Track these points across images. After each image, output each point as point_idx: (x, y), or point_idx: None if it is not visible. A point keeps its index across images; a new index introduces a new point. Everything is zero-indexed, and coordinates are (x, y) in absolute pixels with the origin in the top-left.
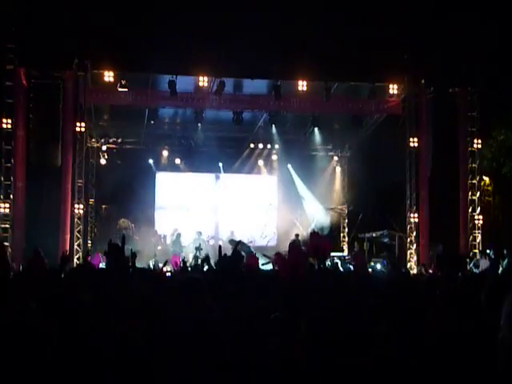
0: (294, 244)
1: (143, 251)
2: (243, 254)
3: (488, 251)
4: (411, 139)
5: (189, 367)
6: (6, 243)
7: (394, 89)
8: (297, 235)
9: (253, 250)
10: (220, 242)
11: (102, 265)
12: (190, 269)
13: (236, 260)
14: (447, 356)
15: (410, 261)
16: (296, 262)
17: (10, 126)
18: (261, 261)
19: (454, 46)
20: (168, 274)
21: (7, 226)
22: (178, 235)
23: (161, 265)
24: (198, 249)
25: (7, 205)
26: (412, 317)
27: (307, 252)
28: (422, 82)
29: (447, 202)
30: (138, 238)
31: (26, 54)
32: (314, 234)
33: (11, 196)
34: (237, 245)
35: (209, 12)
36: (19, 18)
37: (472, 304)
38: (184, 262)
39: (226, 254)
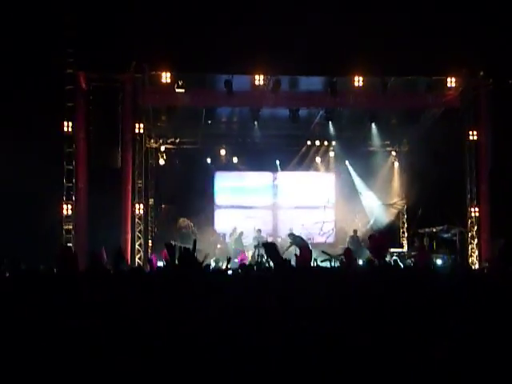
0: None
1: (203, 250)
2: (294, 246)
3: None
4: (470, 132)
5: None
6: (70, 244)
7: (451, 82)
8: (355, 231)
9: (310, 245)
10: (279, 239)
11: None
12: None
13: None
14: None
15: (471, 256)
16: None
17: (70, 130)
18: (319, 258)
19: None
20: (229, 271)
21: (70, 227)
22: (240, 233)
23: (222, 263)
24: (258, 247)
25: (70, 206)
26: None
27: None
28: (481, 73)
29: (508, 195)
30: (197, 236)
31: (85, 58)
32: (372, 236)
33: (73, 198)
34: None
35: (263, 11)
36: (78, 22)
37: None
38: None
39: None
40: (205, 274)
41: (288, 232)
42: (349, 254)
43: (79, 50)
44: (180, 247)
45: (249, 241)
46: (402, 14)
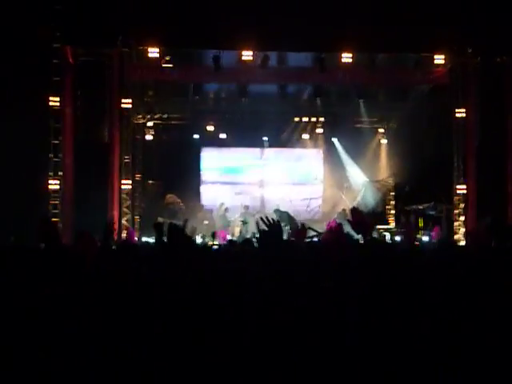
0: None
1: (191, 225)
2: (282, 223)
3: None
4: (458, 110)
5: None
6: (57, 219)
7: (440, 59)
8: (344, 210)
9: (297, 221)
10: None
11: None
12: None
13: (275, 233)
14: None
15: (457, 233)
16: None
17: (57, 104)
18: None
19: (501, 13)
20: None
21: (57, 202)
22: (226, 209)
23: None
24: (244, 222)
25: (57, 181)
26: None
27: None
28: (469, 50)
29: (495, 173)
30: (184, 211)
31: (71, 33)
32: (354, 209)
33: (60, 173)
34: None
35: None
36: None
37: None
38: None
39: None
40: (194, 248)
41: (274, 208)
42: (337, 229)
43: (66, 23)
44: (170, 223)
45: (235, 216)
46: None
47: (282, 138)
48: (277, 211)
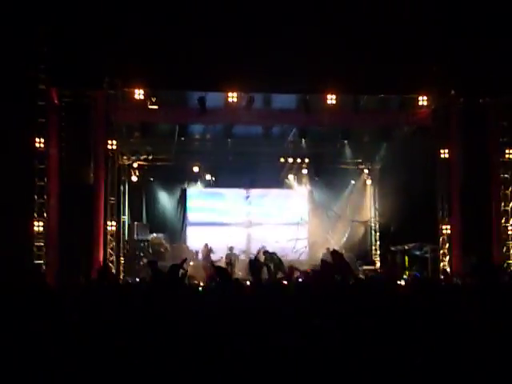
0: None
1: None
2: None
3: None
4: (442, 150)
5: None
6: (41, 261)
7: (423, 100)
8: (327, 249)
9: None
10: (251, 256)
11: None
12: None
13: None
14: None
15: (444, 270)
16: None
17: (42, 145)
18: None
19: (483, 55)
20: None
21: (41, 244)
22: (210, 250)
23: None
24: (229, 264)
25: (41, 223)
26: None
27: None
28: (452, 92)
29: (479, 213)
30: (169, 253)
31: (57, 74)
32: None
33: (45, 214)
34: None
35: (236, 28)
36: (50, 38)
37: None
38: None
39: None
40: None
41: (261, 249)
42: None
43: (51, 65)
44: (172, 265)
45: (220, 257)
46: (375, 32)
47: (267, 179)
48: (266, 253)
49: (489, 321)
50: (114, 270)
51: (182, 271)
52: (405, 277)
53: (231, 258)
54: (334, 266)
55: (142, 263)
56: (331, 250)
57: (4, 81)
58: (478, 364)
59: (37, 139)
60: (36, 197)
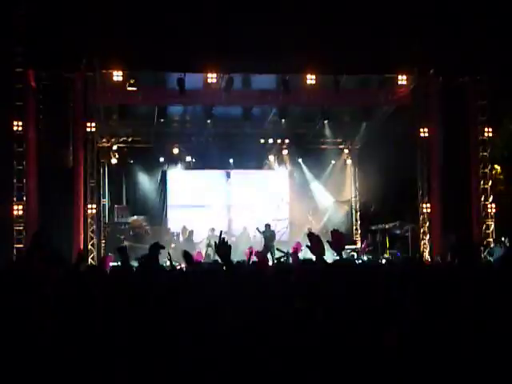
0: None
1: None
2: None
3: (503, 239)
4: (421, 129)
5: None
6: (21, 245)
7: (403, 79)
8: (309, 229)
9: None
10: (233, 239)
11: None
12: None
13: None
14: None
15: (423, 252)
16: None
17: (20, 129)
18: (276, 254)
19: (462, 34)
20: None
21: (21, 228)
22: (191, 232)
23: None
24: (209, 245)
25: (20, 206)
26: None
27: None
28: (431, 71)
29: (459, 191)
30: (150, 235)
31: (34, 56)
32: (335, 231)
33: (24, 198)
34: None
35: (215, 8)
36: (26, 20)
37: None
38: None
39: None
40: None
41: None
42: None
43: (28, 47)
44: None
45: (201, 240)
46: (354, 11)
47: (247, 160)
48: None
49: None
50: (94, 254)
51: (162, 251)
52: (386, 256)
53: (210, 240)
54: (333, 244)
55: (119, 247)
56: (308, 231)
57: None
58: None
59: (15, 122)
60: (15, 180)
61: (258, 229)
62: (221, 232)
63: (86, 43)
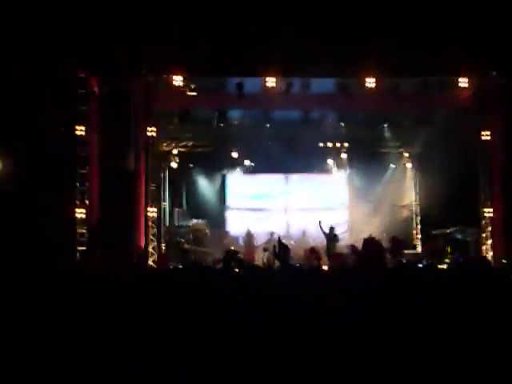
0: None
1: (215, 253)
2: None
3: None
4: (483, 132)
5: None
6: (84, 247)
7: (463, 82)
8: (370, 235)
9: None
10: (292, 242)
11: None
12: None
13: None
14: None
15: (486, 256)
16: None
17: (83, 133)
18: None
19: None
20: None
21: (84, 230)
22: (251, 236)
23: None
24: (265, 250)
25: (83, 210)
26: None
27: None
28: (493, 73)
29: None
30: (210, 238)
31: (97, 62)
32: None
33: (87, 202)
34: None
35: (274, 13)
36: (89, 26)
37: None
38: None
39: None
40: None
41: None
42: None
43: (91, 53)
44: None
45: (261, 243)
46: (414, 13)
47: (306, 163)
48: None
49: None
50: (155, 257)
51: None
52: (447, 261)
53: (267, 244)
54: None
55: (183, 249)
56: (367, 237)
57: (45, 70)
58: None
59: (78, 127)
60: (78, 184)
61: (320, 224)
62: (279, 238)
63: (147, 48)
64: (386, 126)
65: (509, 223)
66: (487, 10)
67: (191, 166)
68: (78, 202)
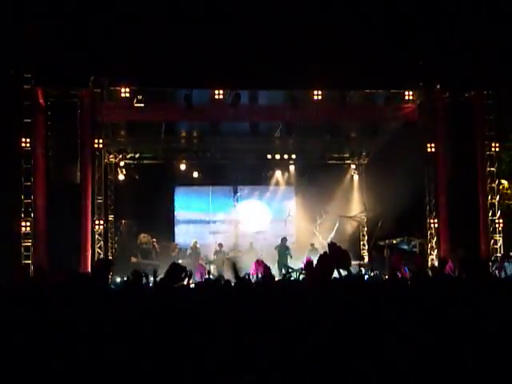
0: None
1: (163, 266)
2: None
3: None
4: (428, 145)
5: None
6: (29, 261)
7: (409, 95)
8: (312, 244)
9: None
10: (240, 254)
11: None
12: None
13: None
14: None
15: (434, 265)
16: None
17: (28, 145)
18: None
19: (468, 49)
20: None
21: (29, 244)
22: (198, 248)
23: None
24: (210, 262)
25: (28, 223)
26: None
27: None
28: (438, 86)
29: (467, 206)
30: (158, 251)
31: (42, 74)
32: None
33: (32, 214)
34: None
35: (222, 25)
36: (35, 37)
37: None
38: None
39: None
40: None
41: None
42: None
43: (37, 65)
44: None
45: (210, 255)
46: (360, 28)
47: (254, 175)
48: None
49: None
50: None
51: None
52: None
53: (214, 256)
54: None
55: (130, 262)
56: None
57: None
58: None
59: (23, 139)
60: (23, 197)
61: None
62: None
63: (94, 60)
64: (333, 137)
65: (453, 234)
66: (430, 24)
67: (138, 177)
68: (23, 216)
